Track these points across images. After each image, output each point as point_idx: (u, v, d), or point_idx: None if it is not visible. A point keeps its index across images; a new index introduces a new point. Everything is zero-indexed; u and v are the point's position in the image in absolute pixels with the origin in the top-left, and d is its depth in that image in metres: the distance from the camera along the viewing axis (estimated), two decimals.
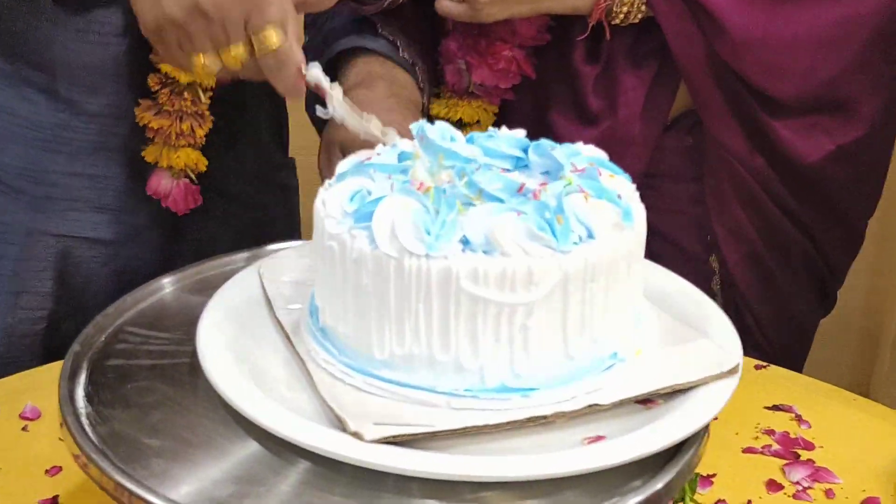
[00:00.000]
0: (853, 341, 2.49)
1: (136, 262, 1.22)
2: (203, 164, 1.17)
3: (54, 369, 0.81)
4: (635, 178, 1.13)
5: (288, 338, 0.77)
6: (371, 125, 0.91)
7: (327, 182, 0.77)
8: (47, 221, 1.16)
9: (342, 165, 0.78)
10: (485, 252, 0.68)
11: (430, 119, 1.19)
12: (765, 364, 1.08)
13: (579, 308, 0.69)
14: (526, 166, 0.80)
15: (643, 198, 1.15)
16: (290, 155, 1.41)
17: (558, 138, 1.12)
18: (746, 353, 1.21)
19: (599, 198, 0.72)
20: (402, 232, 0.68)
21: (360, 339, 0.71)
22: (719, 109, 1.11)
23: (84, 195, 1.17)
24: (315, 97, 1.21)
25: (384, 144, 0.84)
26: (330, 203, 0.73)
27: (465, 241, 0.68)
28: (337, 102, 0.91)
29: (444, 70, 1.18)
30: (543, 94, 1.16)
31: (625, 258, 0.71)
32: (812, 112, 1.12)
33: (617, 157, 1.09)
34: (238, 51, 0.89)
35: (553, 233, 0.68)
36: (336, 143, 1.08)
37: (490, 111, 1.18)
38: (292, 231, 1.40)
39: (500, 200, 0.72)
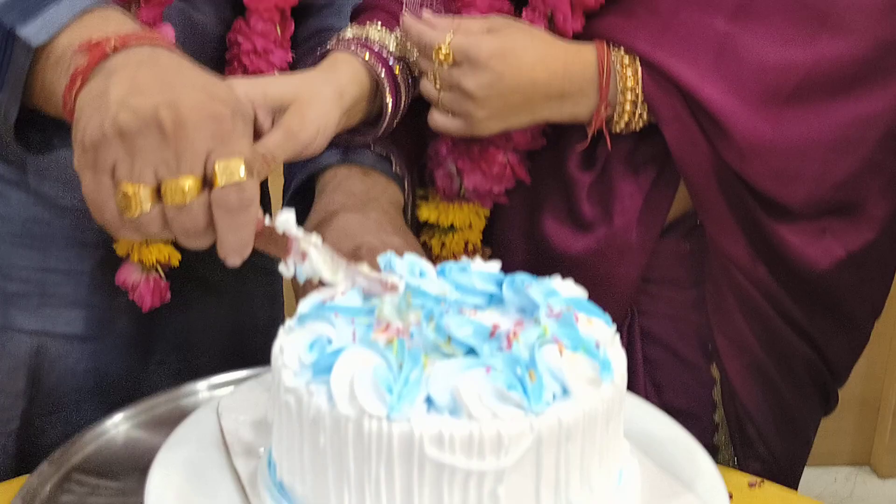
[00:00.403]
0: (853, 410, 2.45)
1: (112, 356, 1.18)
2: (176, 259, 1.12)
3: (16, 485, 0.75)
4: (631, 285, 1.10)
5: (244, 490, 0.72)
6: (361, 276, 0.75)
7: (288, 323, 0.73)
8: (20, 318, 1.13)
9: (303, 305, 0.73)
10: (451, 413, 0.63)
11: (418, 224, 1.14)
12: (758, 480, 1.03)
13: (553, 471, 0.64)
14: (501, 301, 0.75)
15: (640, 303, 1.12)
16: None
17: (552, 244, 1.10)
18: (747, 463, 1.18)
19: (576, 350, 0.67)
20: (362, 390, 0.63)
21: (318, 501, 0.66)
22: (722, 216, 1.06)
23: (57, 290, 1.13)
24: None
25: (381, 296, 0.73)
26: (288, 351, 0.69)
27: (429, 401, 0.64)
28: (315, 254, 0.75)
29: (433, 174, 1.13)
30: (536, 199, 1.12)
31: (603, 415, 0.66)
32: (821, 216, 1.07)
33: (613, 265, 1.06)
34: (187, 182, 0.72)
35: (525, 391, 0.64)
36: None
37: (482, 214, 1.13)
38: (275, 318, 1.35)
39: (470, 347, 0.68)
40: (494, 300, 0.75)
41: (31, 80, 0.83)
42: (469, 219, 1.12)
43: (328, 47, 1.04)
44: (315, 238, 0.75)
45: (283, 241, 0.75)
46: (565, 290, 0.74)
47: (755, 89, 1.01)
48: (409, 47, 1.04)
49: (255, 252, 1.34)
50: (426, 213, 1.13)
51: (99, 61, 0.76)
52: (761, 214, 1.04)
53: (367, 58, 1.02)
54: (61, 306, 1.14)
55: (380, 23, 1.06)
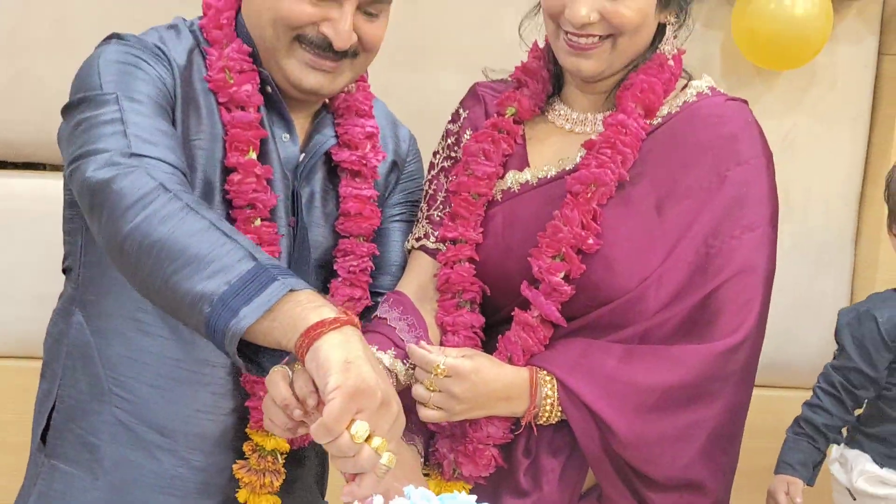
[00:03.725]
0: None
1: None
2: None
3: None
4: None
5: None
6: None
7: None
8: None
9: None
10: None
11: None
12: None
13: None
14: None
15: None
16: (326, 497, 1.76)
17: None
18: None
19: None
20: None
21: None
22: (614, 482, 1.54)
23: None
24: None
25: None
26: None
27: None
28: None
29: (440, 464, 1.60)
30: (498, 478, 1.59)
31: None
32: (677, 489, 1.55)
33: None
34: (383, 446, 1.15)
35: None
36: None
37: (467, 487, 1.58)
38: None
39: None
40: None
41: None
42: (460, 490, 1.55)
43: None
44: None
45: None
46: None
47: (630, 403, 1.52)
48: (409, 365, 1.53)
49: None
50: (432, 487, 1.57)
51: (343, 324, 1.18)
52: (638, 484, 1.55)
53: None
54: None
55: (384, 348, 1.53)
